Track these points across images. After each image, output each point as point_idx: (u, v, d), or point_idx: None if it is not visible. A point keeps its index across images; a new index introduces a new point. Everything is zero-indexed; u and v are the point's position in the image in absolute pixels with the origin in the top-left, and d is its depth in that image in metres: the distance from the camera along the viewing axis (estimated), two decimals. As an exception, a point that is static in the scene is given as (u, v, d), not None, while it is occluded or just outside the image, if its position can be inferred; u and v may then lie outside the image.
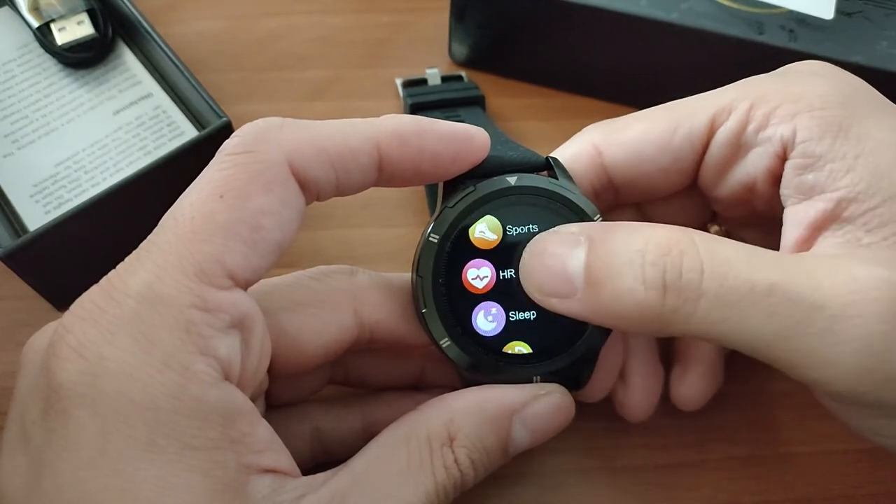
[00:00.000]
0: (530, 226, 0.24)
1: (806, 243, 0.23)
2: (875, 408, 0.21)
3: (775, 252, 0.22)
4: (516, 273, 0.24)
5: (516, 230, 0.24)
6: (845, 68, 0.25)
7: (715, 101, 0.25)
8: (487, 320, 0.24)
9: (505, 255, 0.24)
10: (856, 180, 0.22)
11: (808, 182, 0.23)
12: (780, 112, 0.24)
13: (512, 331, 0.24)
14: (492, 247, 0.24)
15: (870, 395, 0.20)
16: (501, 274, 0.24)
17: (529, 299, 0.24)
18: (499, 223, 0.24)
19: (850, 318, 0.20)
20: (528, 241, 0.24)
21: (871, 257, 0.21)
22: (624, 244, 0.22)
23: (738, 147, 0.25)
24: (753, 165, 0.25)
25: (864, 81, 0.24)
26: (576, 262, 0.22)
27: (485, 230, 0.24)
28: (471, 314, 0.24)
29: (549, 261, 0.23)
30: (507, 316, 0.24)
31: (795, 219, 0.23)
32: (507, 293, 0.24)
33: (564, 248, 0.23)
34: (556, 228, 0.24)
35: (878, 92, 0.24)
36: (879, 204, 0.21)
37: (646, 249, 0.21)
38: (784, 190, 0.24)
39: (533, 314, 0.24)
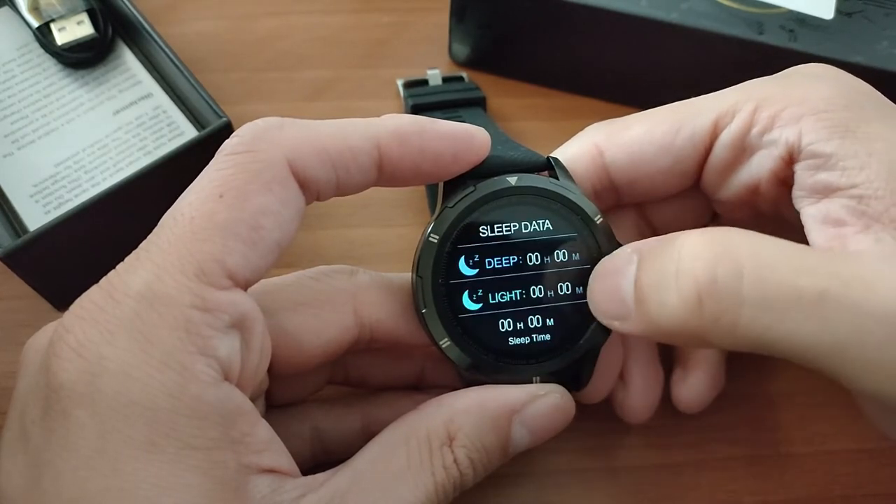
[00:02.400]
0: (529, 228, 0.24)
1: (836, 240, 0.22)
2: None
3: (823, 252, 0.21)
4: None
5: (518, 231, 0.24)
6: (845, 68, 0.25)
7: (718, 104, 0.25)
8: None
9: (503, 257, 0.24)
10: (872, 177, 0.22)
11: (822, 181, 0.23)
12: (784, 115, 0.23)
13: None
14: (489, 252, 0.24)
15: None
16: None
17: None
18: (497, 227, 0.24)
19: None
20: (525, 245, 0.24)
21: None
22: (665, 256, 0.21)
23: (742, 150, 0.25)
24: (758, 168, 0.25)
25: (867, 84, 0.24)
26: (627, 282, 0.22)
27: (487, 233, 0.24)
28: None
29: (607, 283, 0.23)
30: None
31: (817, 217, 0.23)
32: None
33: (619, 269, 0.22)
34: (618, 250, 0.24)
35: (881, 94, 0.24)
36: None
37: (679, 257, 0.20)
38: (798, 192, 0.24)
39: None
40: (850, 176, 0.22)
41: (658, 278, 0.21)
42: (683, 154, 0.26)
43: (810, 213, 0.23)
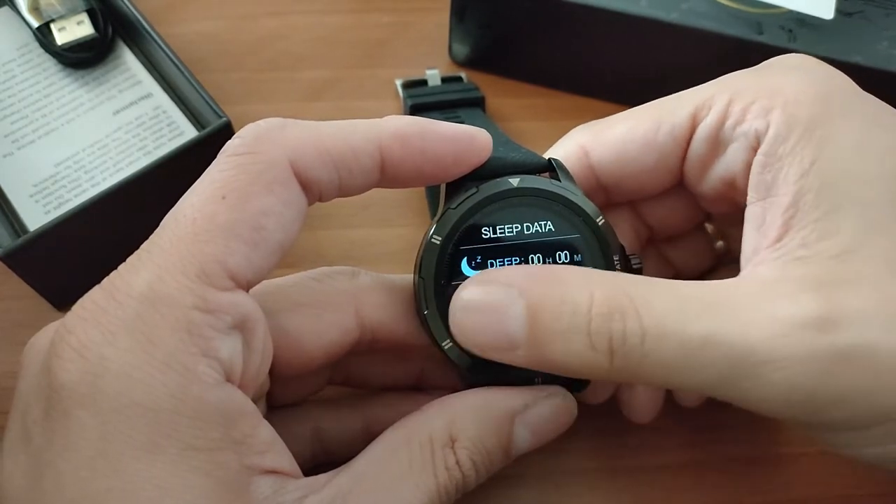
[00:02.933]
0: (531, 230, 0.24)
1: (755, 254, 0.23)
2: (815, 427, 0.22)
3: (708, 292, 0.22)
4: None
5: (520, 233, 0.24)
6: (845, 68, 0.25)
7: (696, 97, 0.25)
8: None
9: (506, 259, 0.24)
10: (805, 188, 0.22)
11: (765, 182, 0.23)
12: (755, 107, 0.24)
13: None
14: (492, 253, 0.24)
15: (805, 420, 0.22)
16: None
17: None
18: (499, 229, 0.24)
19: (775, 362, 0.20)
20: (528, 246, 0.24)
21: (799, 281, 0.21)
22: (564, 305, 0.21)
23: (718, 143, 0.25)
24: (733, 161, 0.25)
25: (845, 76, 0.24)
26: (515, 323, 0.22)
27: (488, 235, 0.24)
28: None
29: (484, 319, 0.22)
30: None
31: (752, 220, 0.24)
32: None
33: (499, 304, 0.22)
34: (480, 277, 0.23)
35: (857, 87, 0.24)
36: (822, 216, 0.22)
37: (590, 315, 0.21)
38: (749, 188, 0.24)
39: None
40: (788, 182, 0.22)
41: (561, 328, 0.21)
42: (666, 150, 0.26)
43: (748, 213, 0.24)
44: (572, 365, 0.22)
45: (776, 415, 0.22)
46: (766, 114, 0.23)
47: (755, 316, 0.21)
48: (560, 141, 0.28)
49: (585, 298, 0.21)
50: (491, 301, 0.22)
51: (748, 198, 0.24)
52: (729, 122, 0.24)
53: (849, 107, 0.23)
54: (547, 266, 0.23)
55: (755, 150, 0.24)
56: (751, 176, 0.24)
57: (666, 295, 0.21)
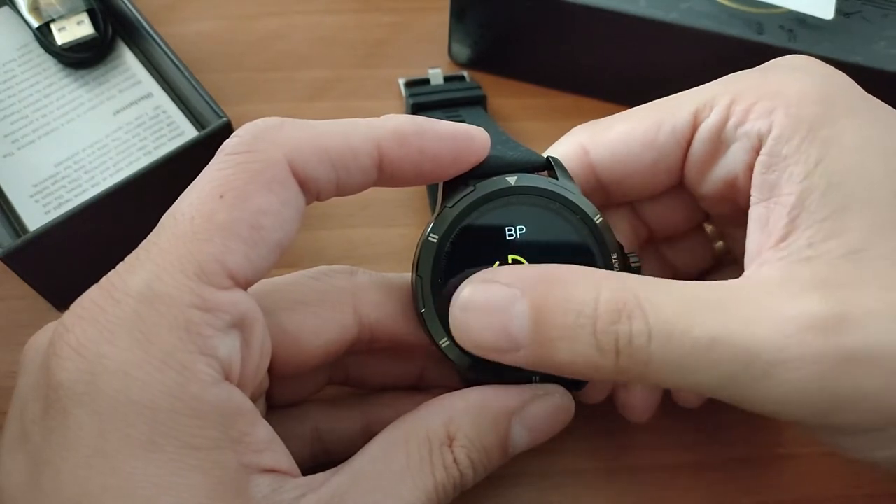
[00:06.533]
0: (529, 228, 0.24)
1: (760, 254, 0.23)
2: (825, 430, 0.22)
3: (715, 292, 0.21)
4: None
5: (516, 232, 0.24)
6: (844, 68, 0.25)
7: (697, 97, 0.25)
8: None
9: (503, 259, 0.24)
10: (810, 187, 0.22)
11: (769, 182, 0.23)
12: (758, 108, 0.24)
13: None
14: (488, 253, 0.24)
15: (815, 422, 0.21)
16: None
17: None
18: (496, 228, 0.24)
19: (785, 362, 0.20)
20: (525, 245, 0.24)
21: (806, 281, 0.21)
22: (569, 304, 0.21)
23: (720, 143, 0.25)
24: (734, 161, 0.25)
25: (847, 78, 0.24)
26: (518, 322, 0.22)
27: (482, 236, 0.24)
28: None
29: (486, 318, 0.22)
30: None
31: (757, 220, 0.24)
32: None
33: (500, 304, 0.22)
34: (481, 276, 0.23)
35: (860, 89, 0.24)
36: (828, 216, 0.21)
37: (595, 315, 0.21)
38: (752, 188, 0.24)
39: None
40: (792, 182, 0.22)
41: (566, 327, 0.21)
42: (666, 150, 0.26)
43: (752, 213, 0.24)
44: (577, 366, 0.22)
45: (784, 416, 0.22)
46: (769, 114, 0.23)
47: (763, 316, 0.21)
48: (560, 140, 0.28)
49: (591, 298, 0.21)
50: (492, 300, 0.22)
51: (752, 198, 0.24)
52: (731, 123, 0.24)
53: (852, 108, 0.23)
54: (549, 266, 0.23)
55: (757, 150, 0.24)
56: (754, 176, 0.24)
57: (673, 295, 0.21)
